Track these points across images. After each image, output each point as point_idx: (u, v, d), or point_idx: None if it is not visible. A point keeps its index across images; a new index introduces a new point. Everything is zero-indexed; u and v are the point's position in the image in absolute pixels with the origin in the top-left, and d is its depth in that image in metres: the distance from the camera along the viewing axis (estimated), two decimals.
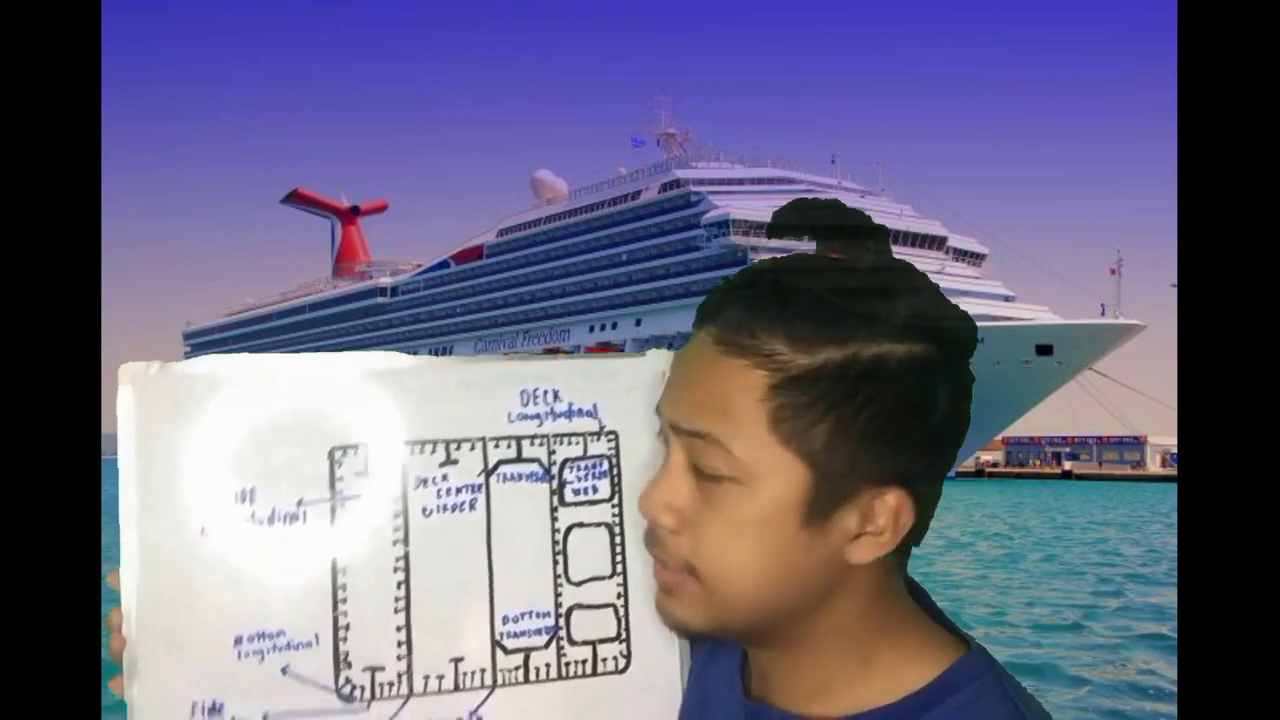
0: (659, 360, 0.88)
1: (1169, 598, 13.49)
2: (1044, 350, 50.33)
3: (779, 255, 0.77)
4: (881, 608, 0.78)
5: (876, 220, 0.79)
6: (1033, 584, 15.56)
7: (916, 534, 0.76)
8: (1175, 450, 4.58)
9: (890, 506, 0.73)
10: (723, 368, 0.73)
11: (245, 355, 0.83)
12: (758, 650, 0.81)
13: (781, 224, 0.78)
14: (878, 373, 0.71)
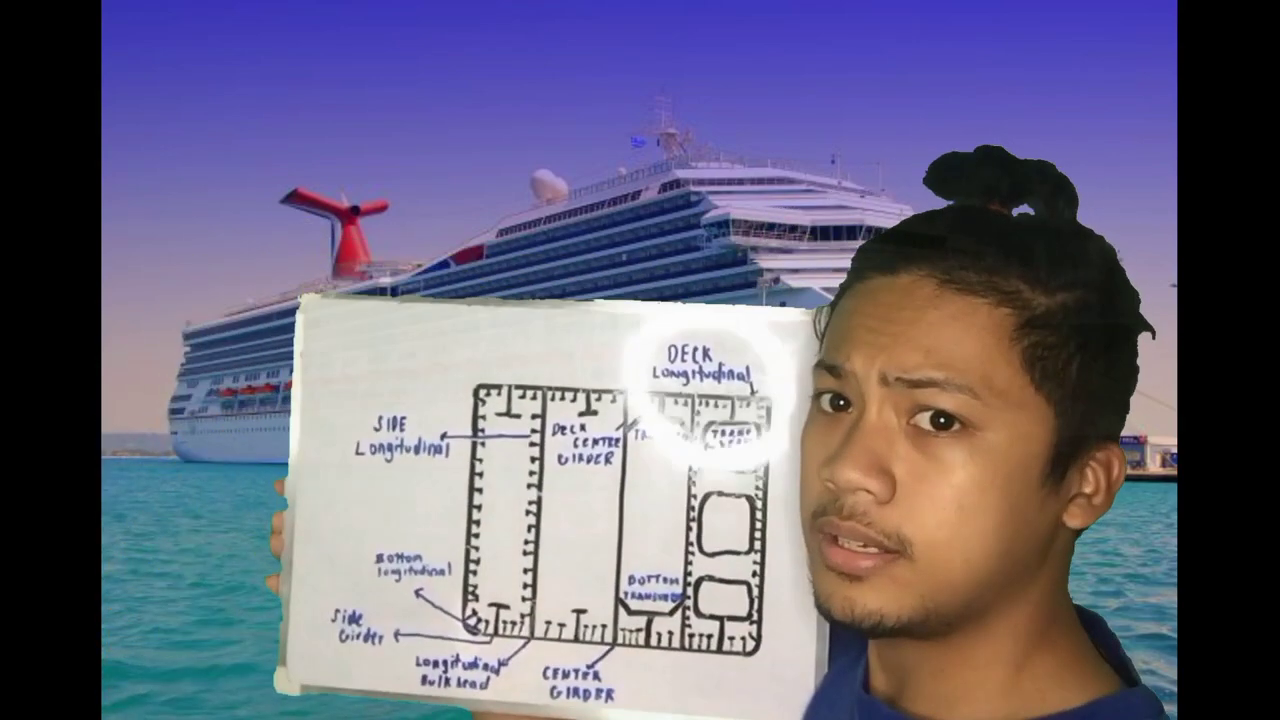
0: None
1: (1169, 598, 13.49)
2: None
3: (930, 211, 0.73)
4: (1050, 607, 0.71)
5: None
6: None
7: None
8: (1175, 450, 4.58)
9: (1105, 464, 0.69)
10: (956, 307, 0.66)
11: (405, 299, 0.89)
12: (914, 645, 0.71)
13: (945, 174, 0.74)
14: (1107, 318, 0.68)
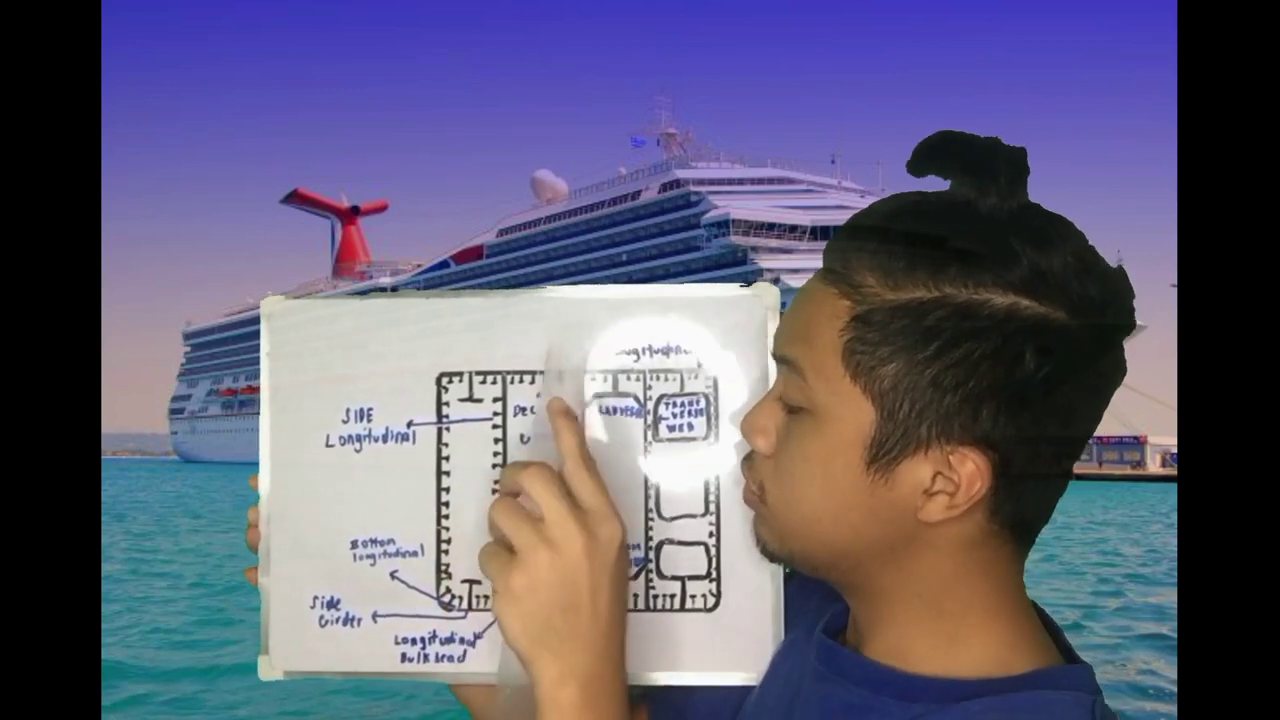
0: (765, 298, 0.89)
1: (1169, 598, 13.50)
2: None
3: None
4: (976, 586, 0.73)
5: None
6: (1032, 584, 15.46)
7: (1024, 514, 0.72)
8: (1175, 450, 4.58)
9: (965, 467, 0.68)
10: (818, 296, 0.73)
11: (368, 298, 0.92)
12: (845, 596, 0.80)
13: (914, 160, 0.73)
14: (962, 321, 0.67)
